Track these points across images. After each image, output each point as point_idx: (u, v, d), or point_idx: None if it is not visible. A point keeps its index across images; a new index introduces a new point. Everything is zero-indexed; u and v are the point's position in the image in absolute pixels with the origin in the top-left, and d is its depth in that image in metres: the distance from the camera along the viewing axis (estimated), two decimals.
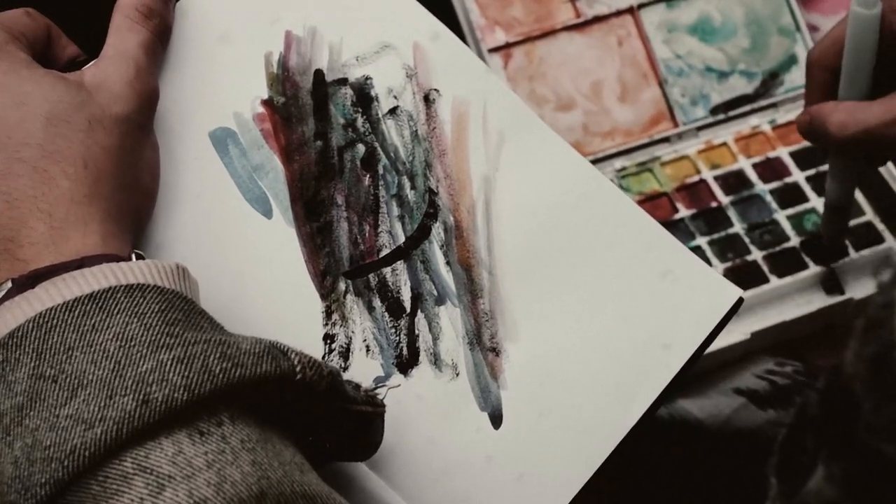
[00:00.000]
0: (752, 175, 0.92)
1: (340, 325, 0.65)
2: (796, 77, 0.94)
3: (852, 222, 0.89)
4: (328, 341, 0.64)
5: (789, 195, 0.91)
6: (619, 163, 0.92)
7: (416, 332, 0.65)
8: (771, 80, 0.95)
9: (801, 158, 0.93)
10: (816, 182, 0.91)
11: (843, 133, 0.75)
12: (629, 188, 0.91)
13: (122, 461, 0.50)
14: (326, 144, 0.67)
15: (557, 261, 0.65)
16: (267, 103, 0.67)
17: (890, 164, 0.90)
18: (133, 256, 0.58)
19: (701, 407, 0.84)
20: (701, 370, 0.84)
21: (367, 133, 0.67)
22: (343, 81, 0.67)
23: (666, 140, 0.93)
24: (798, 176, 0.92)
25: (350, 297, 0.65)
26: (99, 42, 0.64)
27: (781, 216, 0.90)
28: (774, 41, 0.95)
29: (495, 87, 0.67)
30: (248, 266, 0.65)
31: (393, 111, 0.67)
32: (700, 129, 0.94)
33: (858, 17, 0.74)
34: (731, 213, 0.90)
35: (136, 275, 0.55)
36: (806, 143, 0.93)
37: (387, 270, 0.65)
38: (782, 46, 0.95)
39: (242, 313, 0.63)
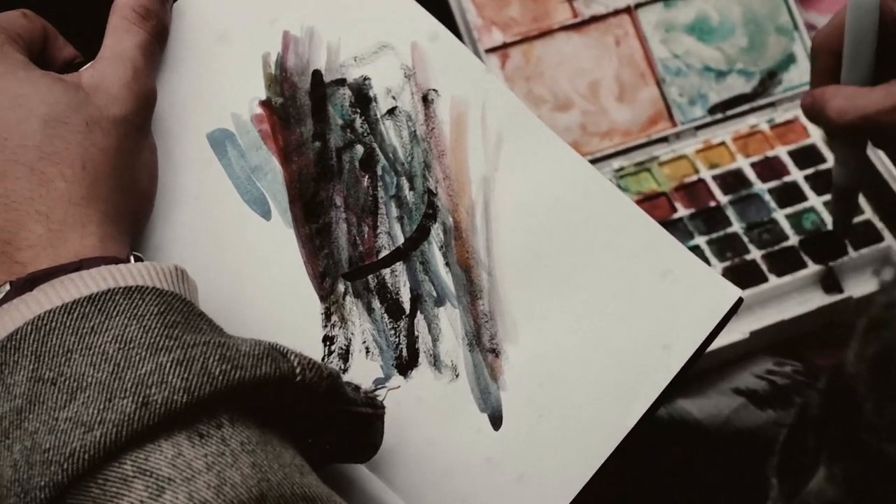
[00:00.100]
0: (751, 174, 0.92)
1: (340, 327, 0.65)
2: (794, 76, 0.94)
3: (852, 221, 0.89)
4: (327, 343, 0.64)
5: (788, 194, 0.91)
6: (617, 163, 0.92)
7: (416, 333, 0.65)
8: (769, 79, 0.95)
9: (800, 157, 0.93)
10: (815, 181, 0.91)
11: (842, 119, 0.75)
12: (627, 188, 0.91)
13: (121, 464, 0.50)
14: (325, 145, 0.66)
15: (557, 261, 0.65)
16: (265, 104, 0.67)
17: (889, 164, 0.90)
18: (131, 258, 0.58)
19: (700, 407, 0.84)
20: (700, 370, 0.83)
21: (365, 134, 0.67)
22: (341, 82, 0.67)
23: (664, 140, 0.93)
24: (797, 175, 0.92)
25: (349, 299, 0.65)
26: (96, 43, 0.63)
27: (780, 215, 0.90)
28: (772, 40, 0.95)
29: (494, 88, 0.67)
30: (246, 268, 0.65)
31: (391, 112, 0.67)
32: (698, 128, 0.94)
33: (857, 2, 0.74)
34: (730, 213, 0.90)
35: (134, 277, 0.55)
36: (804, 143, 0.93)
37: (386, 272, 0.65)
38: (780, 45, 0.95)
39: (241, 315, 0.63)
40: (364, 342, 0.64)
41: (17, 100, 0.59)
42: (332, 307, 0.65)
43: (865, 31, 0.74)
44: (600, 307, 0.65)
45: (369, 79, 0.67)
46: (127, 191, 0.60)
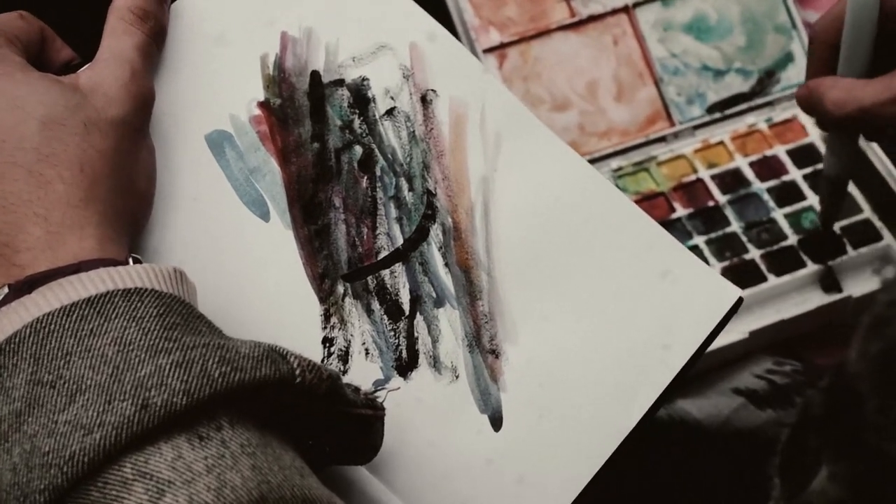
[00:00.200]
0: (749, 174, 0.92)
1: (339, 329, 0.64)
2: (793, 75, 0.94)
3: (850, 221, 0.89)
4: (327, 344, 0.64)
5: (786, 193, 0.91)
6: (615, 163, 0.92)
7: (416, 334, 0.65)
8: (767, 78, 0.95)
9: (798, 156, 0.93)
10: (814, 180, 0.91)
11: (840, 111, 0.74)
12: (626, 188, 0.91)
13: (121, 467, 0.50)
14: (323, 146, 0.66)
15: (556, 262, 0.65)
16: (263, 105, 0.67)
17: (888, 162, 0.90)
18: (130, 260, 0.58)
19: (700, 407, 0.84)
20: (700, 370, 0.83)
21: (364, 134, 0.67)
22: (339, 82, 0.67)
23: (662, 139, 0.93)
24: (795, 174, 0.92)
25: (349, 300, 0.65)
26: (94, 45, 0.63)
27: (779, 214, 0.90)
28: (770, 39, 0.95)
29: (493, 88, 0.67)
30: (245, 269, 0.65)
31: (390, 112, 0.67)
32: (696, 127, 0.94)
33: None
34: (729, 212, 0.90)
35: (133, 279, 0.55)
36: (803, 142, 0.93)
37: (385, 273, 0.65)
38: (778, 44, 0.95)
39: (241, 317, 0.63)
40: (363, 343, 0.64)
41: (14, 102, 0.59)
42: (331, 309, 0.65)
43: (865, 24, 0.74)
44: (600, 307, 0.64)
45: (368, 79, 0.67)
46: (125, 192, 0.60)
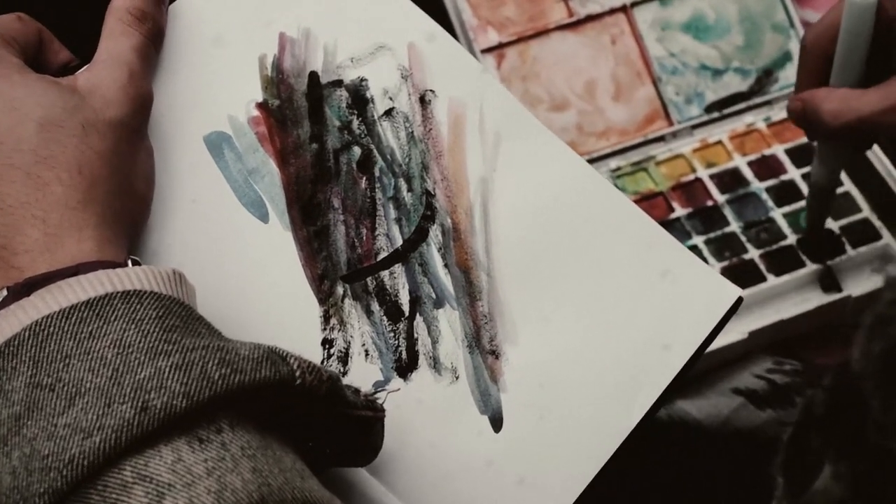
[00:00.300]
0: (748, 173, 0.92)
1: (339, 330, 0.64)
2: (791, 74, 0.94)
3: (849, 220, 0.89)
4: (327, 346, 0.64)
5: (785, 193, 0.91)
6: (613, 162, 0.92)
7: (415, 335, 0.64)
8: (765, 77, 0.94)
9: (797, 156, 0.93)
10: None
11: (837, 121, 0.74)
12: (624, 188, 0.91)
13: (121, 470, 0.49)
14: (322, 147, 0.66)
15: (556, 262, 0.65)
16: (262, 106, 0.66)
17: (887, 162, 0.90)
18: (129, 262, 0.57)
19: (700, 407, 0.84)
20: (699, 370, 0.83)
21: (362, 135, 0.66)
22: (338, 83, 0.67)
23: (661, 139, 0.93)
24: (794, 173, 0.92)
25: (348, 301, 0.65)
26: (92, 46, 0.63)
27: (778, 214, 0.90)
28: (768, 38, 0.95)
29: (491, 88, 0.67)
30: (244, 271, 0.64)
31: (389, 113, 0.67)
32: (695, 127, 0.94)
33: (855, 5, 0.73)
34: (727, 212, 0.90)
35: (132, 281, 0.55)
36: (801, 141, 0.93)
37: (385, 274, 0.65)
38: (776, 43, 0.95)
39: (240, 319, 0.63)
40: (363, 345, 0.64)
41: (12, 103, 0.59)
42: (331, 310, 0.64)
43: (861, 34, 0.74)
44: (600, 307, 0.64)
45: (366, 80, 0.67)
46: (124, 194, 0.60)
